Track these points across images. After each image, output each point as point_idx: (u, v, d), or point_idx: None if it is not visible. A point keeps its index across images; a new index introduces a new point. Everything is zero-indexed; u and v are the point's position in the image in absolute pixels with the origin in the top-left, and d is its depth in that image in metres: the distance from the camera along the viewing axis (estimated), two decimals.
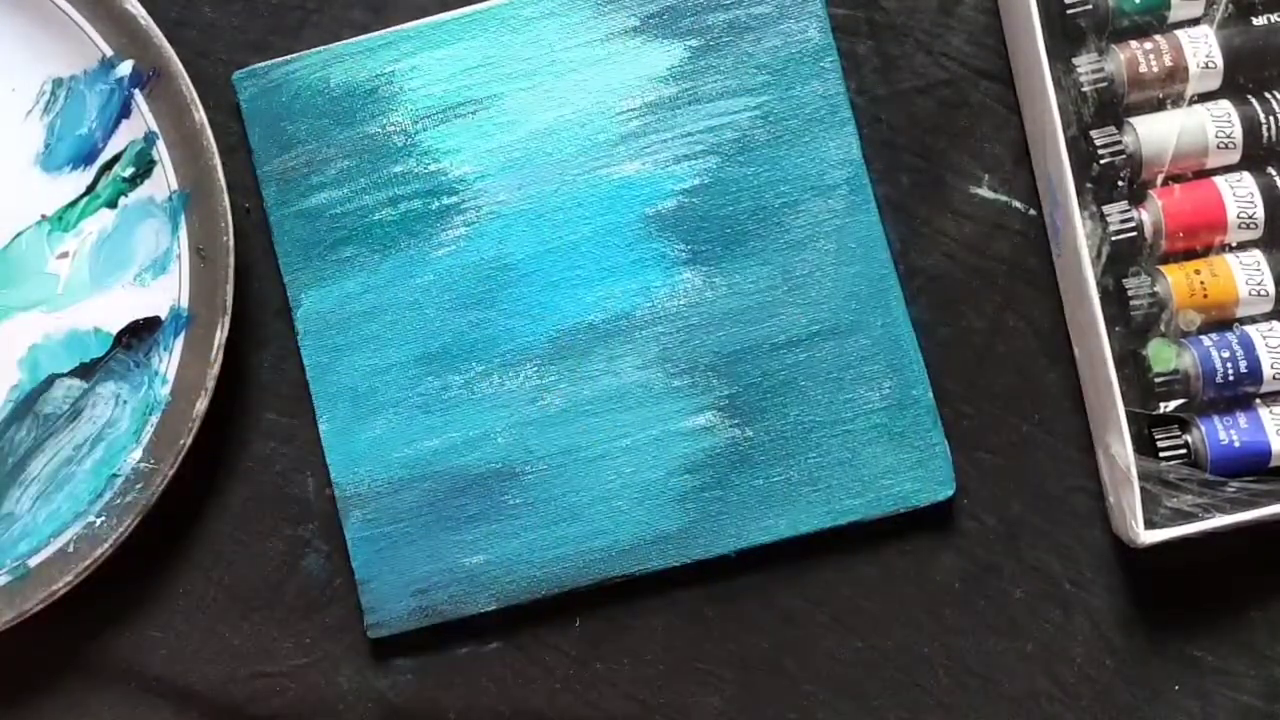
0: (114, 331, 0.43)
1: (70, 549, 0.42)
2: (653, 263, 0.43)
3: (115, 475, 0.42)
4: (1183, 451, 0.41)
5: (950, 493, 0.42)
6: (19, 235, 0.43)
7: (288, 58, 0.43)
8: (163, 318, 0.43)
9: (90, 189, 0.43)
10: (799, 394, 0.42)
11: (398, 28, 0.43)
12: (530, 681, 0.43)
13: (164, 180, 0.43)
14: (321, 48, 0.43)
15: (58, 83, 0.43)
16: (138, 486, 0.42)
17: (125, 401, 0.43)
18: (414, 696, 0.43)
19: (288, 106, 0.43)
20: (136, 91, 0.42)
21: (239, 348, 0.44)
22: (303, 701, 0.43)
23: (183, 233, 0.42)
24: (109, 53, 0.42)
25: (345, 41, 0.43)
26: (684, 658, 0.43)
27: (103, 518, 0.42)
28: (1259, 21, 0.41)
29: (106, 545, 0.41)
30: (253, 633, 0.43)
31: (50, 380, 0.43)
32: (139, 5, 0.42)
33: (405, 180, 0.43)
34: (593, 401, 0.42)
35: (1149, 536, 0.39)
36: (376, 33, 0.43)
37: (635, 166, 0.43)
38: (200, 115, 0.42)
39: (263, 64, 0.43)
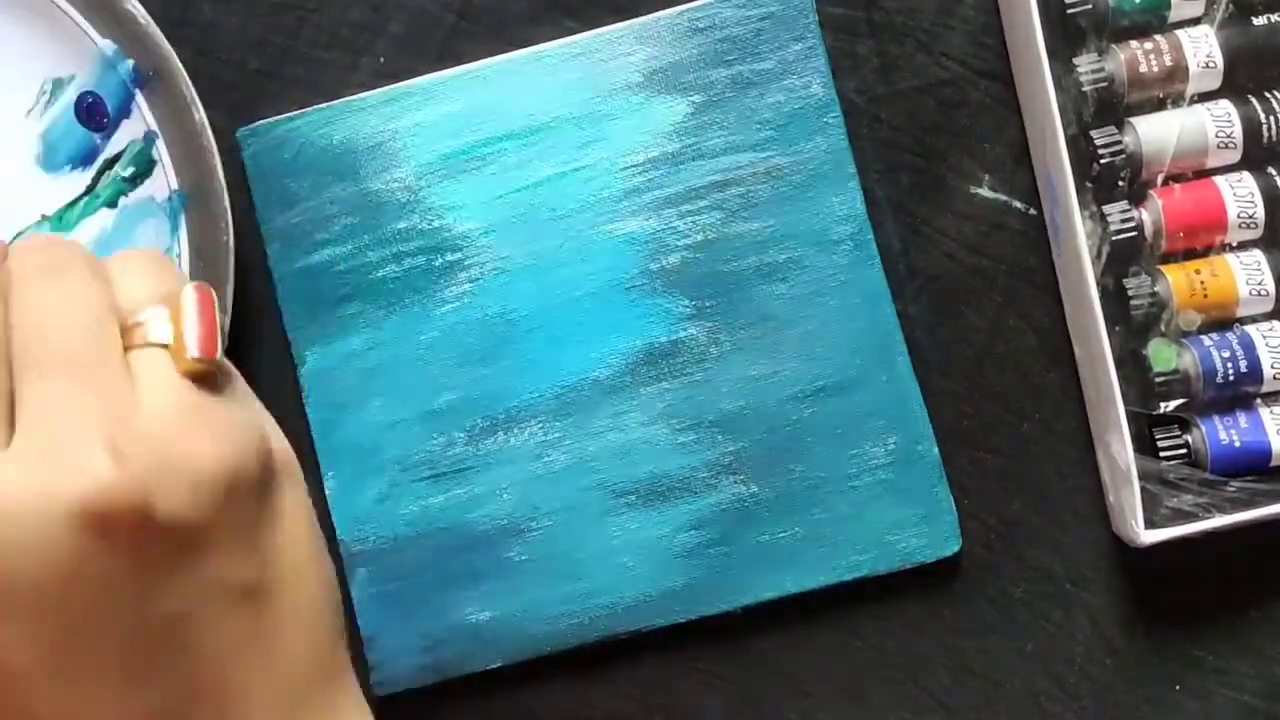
0: None
1: None
2: (657, 318, 0.42)
3: None
4: (1183, 451, 0.41)
5: (957, 548, 0.42)
6: (19, 235, 0.43)
7: (290, 114, 0.43)
8: None
9: (90, 189, 0.43)
10: (804, 450, 0.42)
11: (399, 85, 0.43)
12: (529, 679, 0.43)
13: (164, 180, 0.42)
14: (324, 104, 0.43)
15: (57, 82, 0.43)
16: None
17: None
18: (399, 694, 0.43)
19: (290, 163, 0.43)
20: (137, 91, 0.42)
21: (239, 347, 0.44)
22: None
23: (183, 233, 0.42)
24: (109, 52, 0.42)
25: (348, 98, 0.43)
26: (684, 658, 0.43)
27: None
28: (1259, 21, 0.41)
29: None
30: None
31: None
32: (139, 5, 0.42)
33: (409, 237, 0.43)
34: (597, 458, 0.42)
35: (1149, 536, 0.39)
36: (378, 89, 0.43)
37: (639, 222, 0.43)
38: (200, 115, 0.42)
39: (265, 121, 0.43)
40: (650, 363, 0.42)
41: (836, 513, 0.42)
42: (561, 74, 0.43)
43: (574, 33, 0.43)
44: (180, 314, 0.29)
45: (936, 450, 0.42)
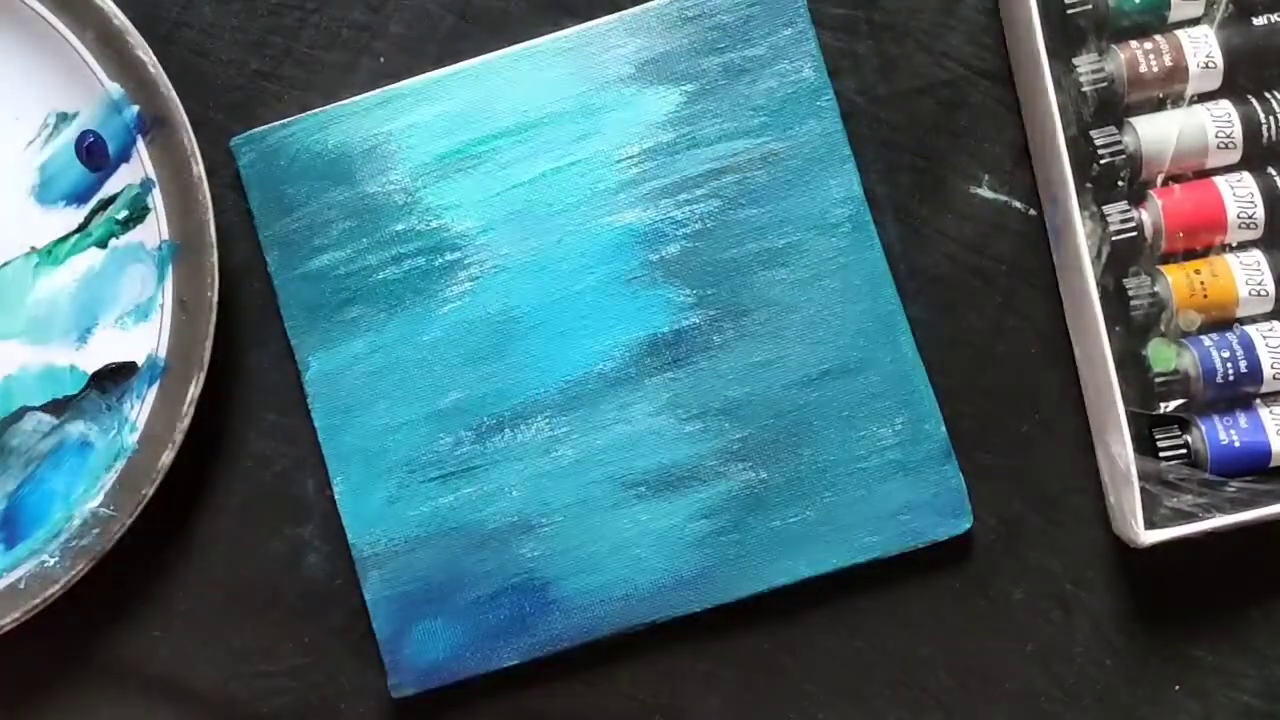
0: (90, 371, 0.43)
1: (21, 585, 0.41)
2: (659, 309, 0.42)
3: (72, 517, 0.42)
4: (1183, 451, 0.41)
5: (968, 525, 0.42)
6: (6, 264, 0.43)
7: (284, 121, 0.43)
8: (139, 364, 0.42)
9: (82, 227, 0.43)
10: (812, 434, 0.42)
11: (392, 86, 0.43)
12: (530, 681, 0.43)
13: (156, 228, 0.42)
14: (318, 110, 0.43)
15: (61, 117, 0.43)
16: (94, 531, 0.41)
17: (91, 444, 0.43)
18: (415, 695, 0.43)
19: (286, 170, 0.43)
20: (139, 137, 0.42)
21: (239, 346, 0.44)
22: (303, 701, 0.43)
23: (169, 282, 0.42)
24: (116, 96, 0.42)
25: (341, 103, 0.43)
26: (684, 658, 0.43)
27: (55, 558, 0.41)
28: (1259, 21, 0.41)
29: (57, 587, 0.41)
30: (253, 633, 0.43)
31: (21, 412, 0.43)
32: (150, 53, 0.41)
33: (407, 238, 0.43)
34: (605, 450, 0.42)
35: (1149, 536, 0.39)
36: (371, 92, 0.43)
37: (637, 213, 0.43)
38: (199, 169, 0.41)
39: (260, 129, 0.43)
40: (654, 353, 0.42)
41: (847, 495, 0.42)
42: (553, 69, 0.43)
43: None
44: None
45: (944, 428, 0.42)
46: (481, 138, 0.43)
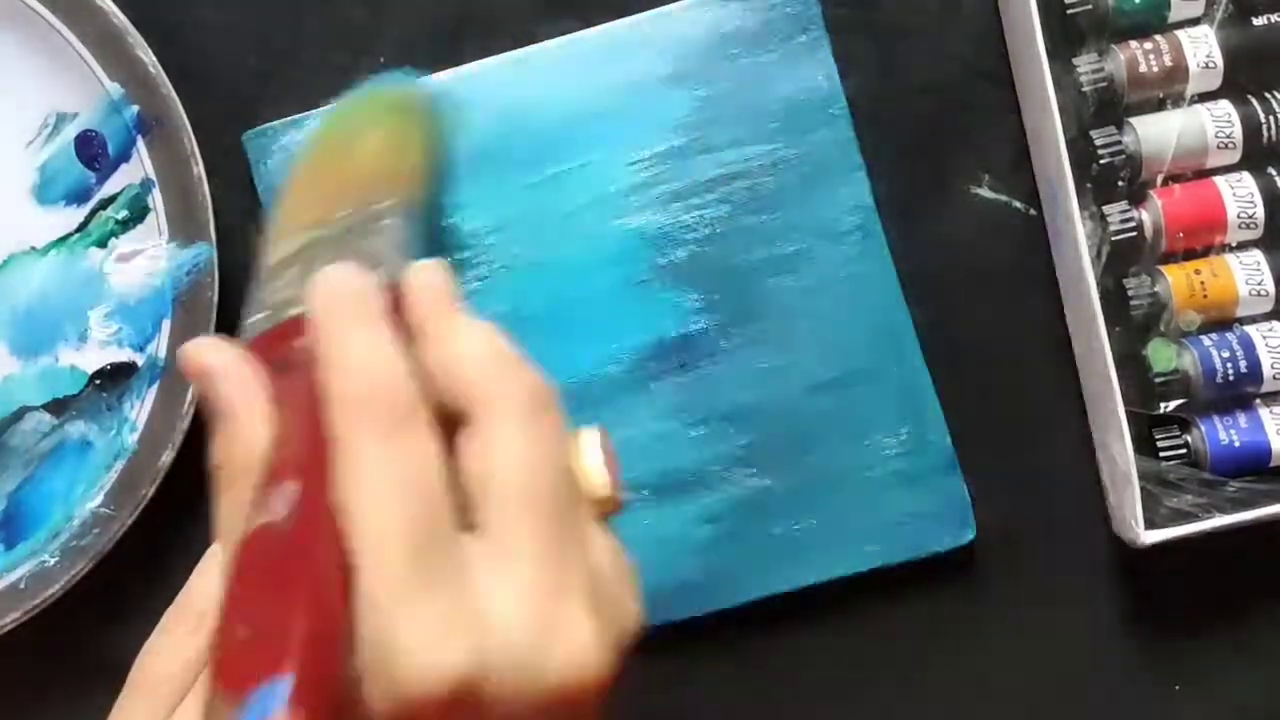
0: (89, 371, 0.43)
1: (21, 585, 0.41)
2: (667, 313, 0.42)
3: (72, 517, 0.42)
4: (1183, 451, 0.41)
5: (971, 536, 0.42)
6: (5, 264, 0.43)
7: (295, 117, 0.43)
8: (139, 364, 0.42)
9: (82, 227, 0.43)
10: (817, 442, 0.42)
11: None
12: None
13: (156, 228, 0.42)
14: (329, 107, 0.43)
15: (61, 116, 0.43)
16: (94, 531, 0.41)
17: (91, 443, 0.43)
18: None
19: None
20: (139, 137, 0.42)
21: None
22: None
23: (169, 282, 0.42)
24: (116, 95, 0.42)
25: None
26: (685, 660, 0.43)
27: (55, 558, 0.41)
28: (1259, 21, 0.41)
29: (57, 587, 0.41)
30: None
31: (21, 412, 0.43)
32: (149, 52, 0.41)
33: None
34: None
35: (1149, 536, 0.39)
36: None
37: (646, 217, 0.43)
38: (199, 169, 0.41)
39: (272, 124, 0.43)
40: (661, 357, 0.42)
41: (850, 504, 0.42)
42: (565, 71, 0.43)
43: (575, 31, 0.43)
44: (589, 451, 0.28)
45: (949, 440, 0.42)
46: (491, 138, 0.43)
